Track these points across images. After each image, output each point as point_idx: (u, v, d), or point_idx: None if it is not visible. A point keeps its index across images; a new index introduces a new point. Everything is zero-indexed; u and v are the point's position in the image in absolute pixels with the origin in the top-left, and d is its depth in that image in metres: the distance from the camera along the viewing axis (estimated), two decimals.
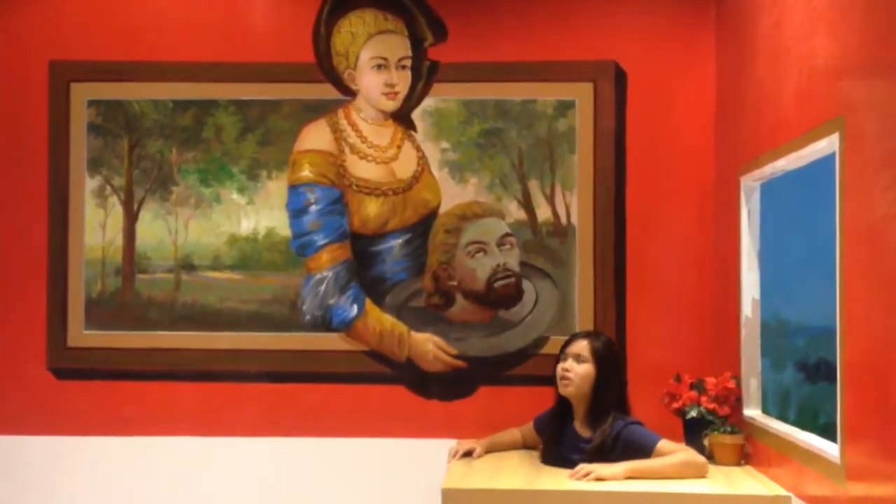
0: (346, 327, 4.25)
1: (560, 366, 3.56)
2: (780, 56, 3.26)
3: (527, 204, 4.26)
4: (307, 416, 4.24)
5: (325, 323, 4.25)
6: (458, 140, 4.29)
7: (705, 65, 4.21)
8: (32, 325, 4.28)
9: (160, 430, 4.24)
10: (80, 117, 4.32)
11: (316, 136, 4.29)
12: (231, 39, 4.32)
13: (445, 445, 3.81)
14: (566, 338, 3.68)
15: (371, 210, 4.26)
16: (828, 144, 2.79)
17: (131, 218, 4.33)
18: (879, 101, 2.42)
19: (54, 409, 4.27)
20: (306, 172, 4.27)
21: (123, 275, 4.31)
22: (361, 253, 4.26)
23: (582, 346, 3.55)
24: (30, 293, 4.28)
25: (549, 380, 3.61)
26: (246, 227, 4.33)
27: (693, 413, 3.72)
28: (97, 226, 4.32)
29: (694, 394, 3.75)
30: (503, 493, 3.22)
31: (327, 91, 4.28)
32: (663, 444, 3.37)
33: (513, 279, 4.24)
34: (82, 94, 4.32)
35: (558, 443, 3.58)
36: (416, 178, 4.28)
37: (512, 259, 4.24)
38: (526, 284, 4.23)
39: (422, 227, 4.27)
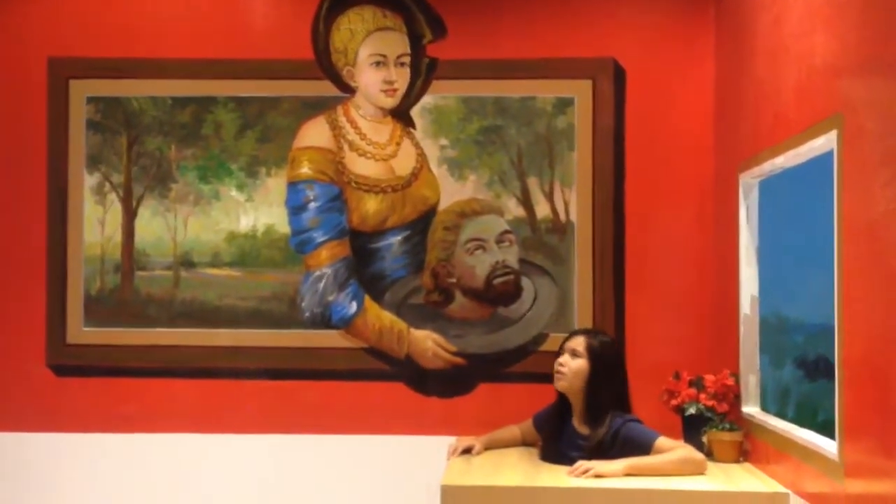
0: (346, 324, 4.25)
1: (556, 360, 3.57)
2: (779, 54, 3.26)
3: (526, 201, 4.26)
4: (306, 413, 4.24)
5: (324, 320, 4.25)
6: (457, 137, 4.29)
7: (704, 62, 4.21)
8: (32, 321, 4.27)
9: (159, 426, 4.24)
10: (78, 114, 4.31)
11: (315, 133, 4.29)
12: (230, 36, 4.31)
13: (445, 442, 3.82)
14: (565, 335, 3.68)
15: (370, 207, 4.26)
16: (826, 142, 2.80)
17: (130, 215, 4.33)
18: (878, 99, 2.42)
19: (53, 405, 4.27)
20: (305, 169, 4.27)
21: (122, 272, 4.31)
22: (360, 250, 4.26)
23: (578, 342, 3.55)
24: (29, 290, 4.28)
25: (549, 377, 3.61)
26: (245, 223, 4.32)
27: (692, 410, 3.72)
28: (96, 223, 4.32)
29: (693, 391, 3.75)
30: (502, 489, 3.22)
31: (326, 88, 4.28)
32: (662, 440, 3.37)
33: (512, 276, 4.24)
34: (81, 90, 4.31)
35: (557, 440, 3.58)
36: (415, 175, 4.28)
37: (511, 256, 4.24)
38: (525, 281, 4.23)
39: (421, 224, 4.26)
